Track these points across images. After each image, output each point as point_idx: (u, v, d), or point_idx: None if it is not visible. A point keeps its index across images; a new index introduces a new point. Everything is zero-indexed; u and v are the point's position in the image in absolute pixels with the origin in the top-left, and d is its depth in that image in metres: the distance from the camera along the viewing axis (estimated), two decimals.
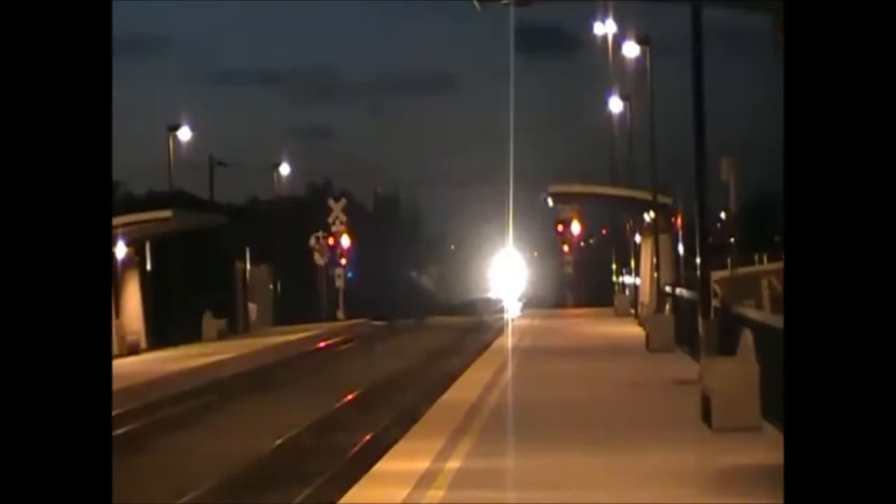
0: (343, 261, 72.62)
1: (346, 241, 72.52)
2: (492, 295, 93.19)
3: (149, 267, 52.76)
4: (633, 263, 58.77)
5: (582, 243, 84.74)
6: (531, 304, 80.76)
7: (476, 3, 12.83)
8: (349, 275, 72.07)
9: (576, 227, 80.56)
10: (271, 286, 68.68)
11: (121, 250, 48.01)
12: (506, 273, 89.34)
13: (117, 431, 25.67)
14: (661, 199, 43.05)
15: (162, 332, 51.54)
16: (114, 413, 27.50)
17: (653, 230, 45.37)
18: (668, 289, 40.17)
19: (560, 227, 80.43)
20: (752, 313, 21.49)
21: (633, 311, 53.87)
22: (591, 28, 61.97)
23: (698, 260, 22.88)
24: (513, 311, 67.62)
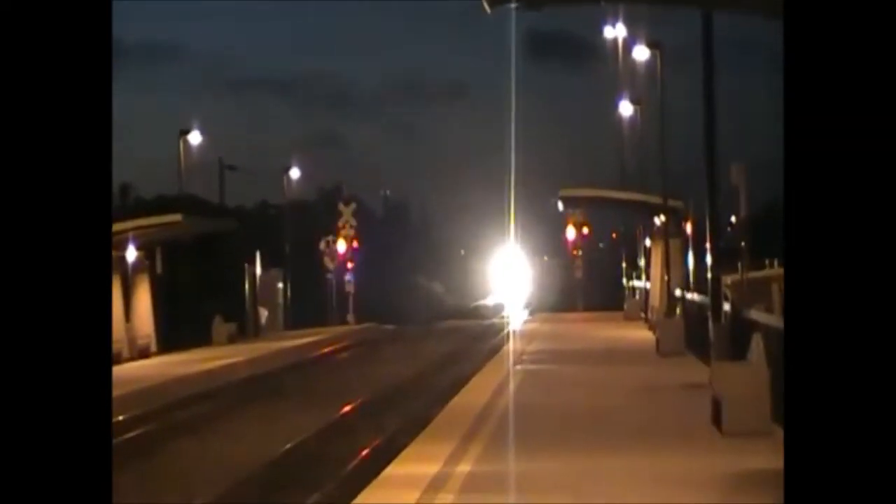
0: (350, 265, 72.59)
1: (355, 245, 72.52)
2: (489, 301, 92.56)
3: (159, 271, 52.78)
4: (641, 266, 58.72)
5: (579, 251, 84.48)
6: (541, 308, 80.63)
7: (486, 6, 12.81)
8: (348, 277, 71.80)
9: (586, 232, 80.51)
10: (281, 290, 68.69)
11: (131, 254, 48.01)
12: (511, 277, 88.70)
13: (130, 434, 25.70)
14: (672, 203, 42.99)
15: (172, 335, 51.55)
16: (126, 416, 27.56)
17: (663, 234, 45.32)
18: (678, 293, 40.12)
19: (570, 232, 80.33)
20: (762, 317, 21.44)
21: (643, 315, 53.82)
22: (602, 33, 61.88)
23: (709, 261, 22.84)
24: (516, 318, 67.14)
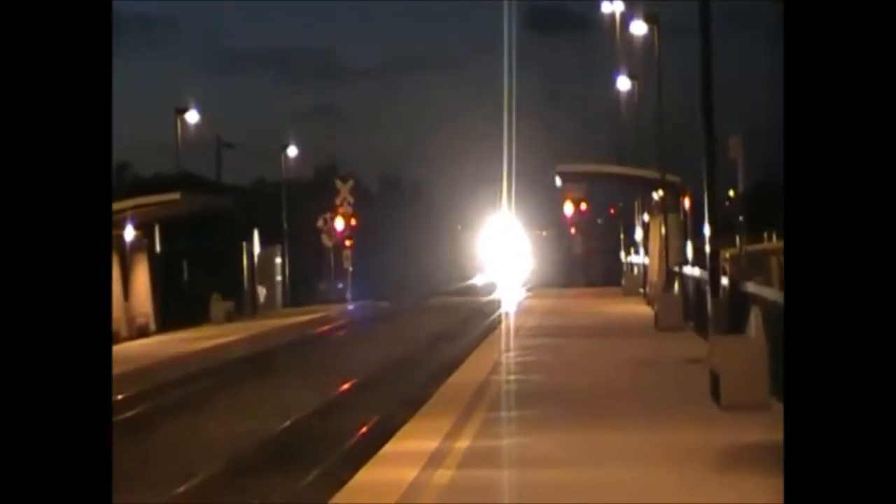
0: (349, 243, 72.59)
1: (353, 222, 72.50)
2: (481, 280, 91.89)
3: (157, 249, 52.81)
4: (639, 241, 58.71)
5: (577, 227, 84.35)
6: (538, 283, 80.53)
7: None
8: (350, 255, 71.86)
9: (584, 207, 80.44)
10: (279, 267, 68.71)
11: (129, 233, 48.02)
12: (508, 252, 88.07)
13: (128, 413, 25.72)
14: (670, 177, 43.00)
15: (170, 314, 51.60)
16: (125, 395, 27.58)
17: (661, 209, 45.33)
18: (676, 268, 40.14)
19: (568, 207, 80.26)
20: (760, 291, 21.45)
21: (641, 290, 53.84)
22: (600, 7, 61.72)
23: (707, 235, 22.81)
24: (514, 293, 66.64)
